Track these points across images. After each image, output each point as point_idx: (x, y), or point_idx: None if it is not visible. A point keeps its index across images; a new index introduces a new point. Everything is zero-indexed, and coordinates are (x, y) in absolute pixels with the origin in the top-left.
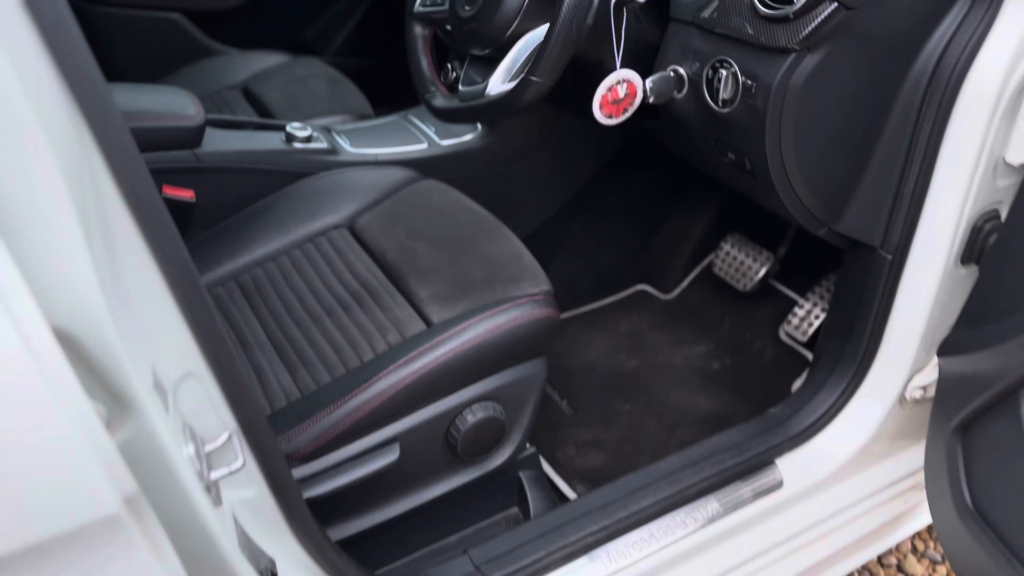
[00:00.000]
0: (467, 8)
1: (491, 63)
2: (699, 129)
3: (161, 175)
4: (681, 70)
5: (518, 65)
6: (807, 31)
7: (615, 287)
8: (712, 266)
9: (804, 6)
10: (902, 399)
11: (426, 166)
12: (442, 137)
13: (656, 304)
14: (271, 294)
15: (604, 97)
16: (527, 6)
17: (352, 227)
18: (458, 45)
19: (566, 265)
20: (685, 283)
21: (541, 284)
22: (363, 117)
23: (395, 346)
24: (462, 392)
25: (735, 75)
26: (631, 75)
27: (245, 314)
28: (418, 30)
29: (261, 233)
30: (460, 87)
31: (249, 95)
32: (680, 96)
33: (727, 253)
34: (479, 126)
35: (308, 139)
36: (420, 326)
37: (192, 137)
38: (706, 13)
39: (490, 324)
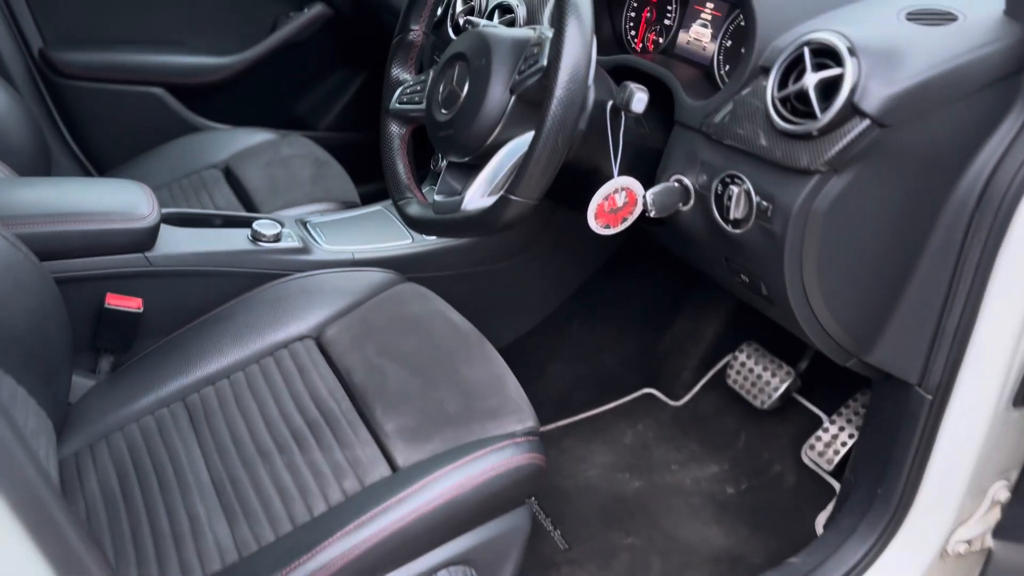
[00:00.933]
0: (443, 112)
1: (472, 169)
2: (708, 246)
3: (106, 282)
4: (687, 180)
5: (499, 177)
6: (834, 152)
7: (619, 391)
8: (726, 377)
9: (830, 123)
10: (944, 553)
11: (410, 264)
12: None
13: (664, 411)
14: (219, 420)
15: (600, 206)
16: (510, 112)
17: (319, 338)
18: (435, 149)
19: (565, 368)
20: (696, 388)
21: (525, 420)
22: (348, 204)
23: (352, 496)
24: (427, 557)
25: (748, 193)
26: (631, 183)
27: (188, 444)
28: (394, 128)
29: (216, 345)
30: (435, 196)
31: (230, 176)
32: (686, 209)
33: (742, 364)
34: None
35: (277, 237)
36: (383, 470)
37: (143, 239)
38: (716, 119)
39: (463, 475)
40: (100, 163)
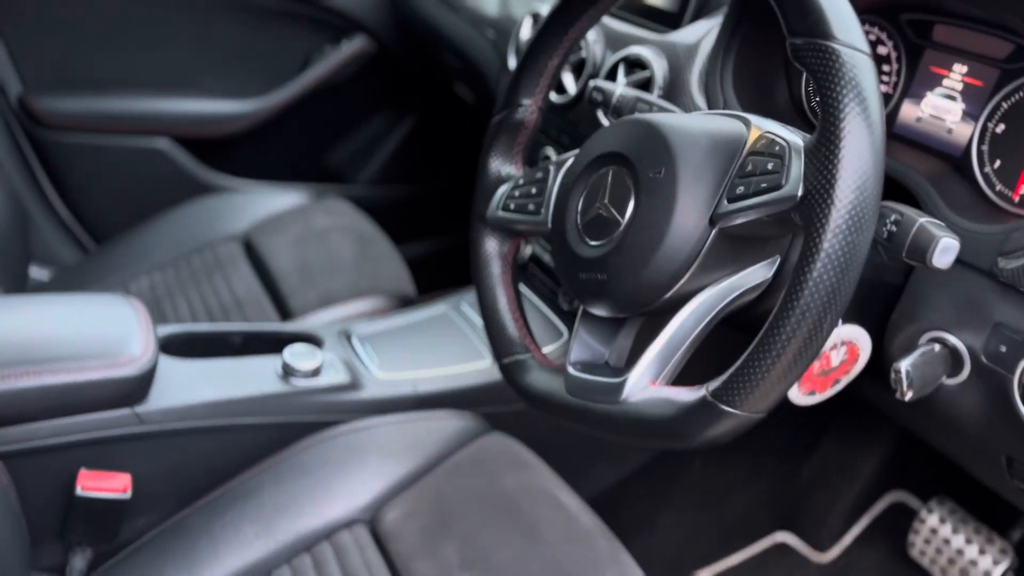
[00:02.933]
0: (589, 244)
1: (623, 324)
2: (981, 436)
3: (78, 451)
4: (954, 342)
5: (683, 349)
6: None
7: (745, 537)
8: (909, 546)
9: None
10: None
11: (488, 396)
12: None
13: (807, 569)
14: None
15: (810, 369)
16: (707, 253)
17: (375, 524)
18: (568, 291)
19: (679, 516)
20: (847, 539)
21: None
22: (401, 299)
23: None
24: None
25: None
26: (855, 335)
27: None
28: (491, 246)
29: (235, 534)
30: (570, 367)
31: (251, 252)
32: (952, 383)
33: (933, 532)
34: (564, 333)
35: (316, 371)
36: None
37: (132, 391)
38: (1017, 263)
39: None
40: (94, 231)
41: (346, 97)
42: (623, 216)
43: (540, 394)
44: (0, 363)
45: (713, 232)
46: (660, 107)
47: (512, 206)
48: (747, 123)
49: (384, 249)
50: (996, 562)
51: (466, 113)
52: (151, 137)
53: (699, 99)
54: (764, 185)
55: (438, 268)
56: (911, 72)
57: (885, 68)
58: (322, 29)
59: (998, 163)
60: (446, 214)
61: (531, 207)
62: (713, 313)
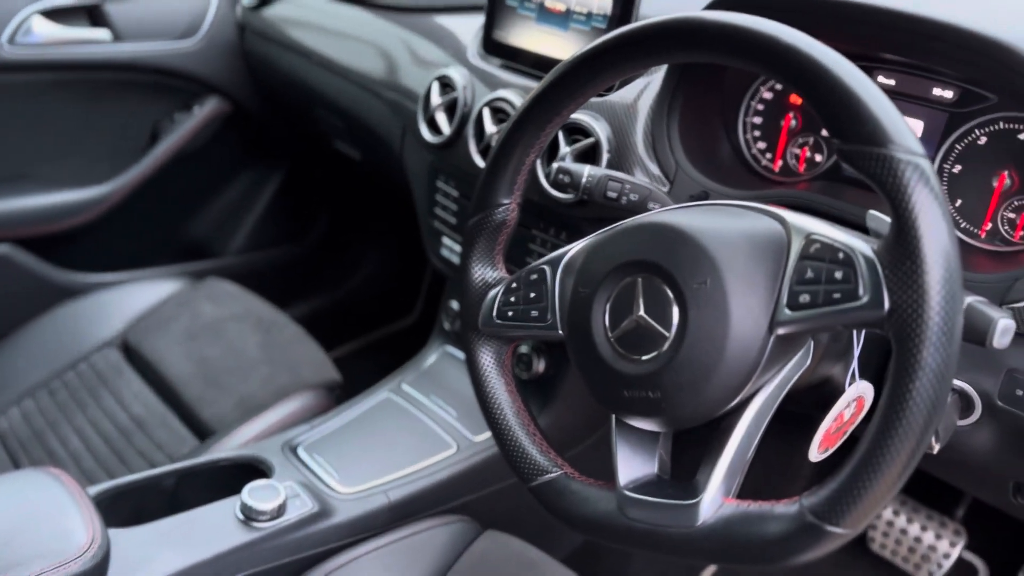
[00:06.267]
0: (635, 360)
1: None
2: (991, 468)
3: None
4: (962, 385)
5: (748, 456)
6: None
7: None
8: (869, 541)
9: None
10: None
11: (464, 486)
12: (476, 429)
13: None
14: None
15: (828, 430)
16: (768, 357)
17: None
18: (607, 407)
19: (650, 558)
20: None
21: None
22: (328, 387)
23: None
24: None
25: None
26: (865, 390)
27: None
28: (488, 358)
29: None
30: (624, 490)
31: (134, 358)
32: (965, 424)
33: (889, 524)
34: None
35: (281, 509)
36: None
37: None
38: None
39: None
40: None
41: (204, 163)
42: (668, 329)
43: (591, 520)
44: None
45: (772, 338)
46: (632, 184)
47: (510, 313)
48: (780, 220)
49: (292, 333)
50: (953, 544)
51: (348, 167)
52: None
53: (648, 160)
54: (837, 296)
55: (327, 326)
56: None
57: None
58: (168, 95)
59: (959, 202)
60: (327, 270)
61: (534, 313)
62: (772, 412)
